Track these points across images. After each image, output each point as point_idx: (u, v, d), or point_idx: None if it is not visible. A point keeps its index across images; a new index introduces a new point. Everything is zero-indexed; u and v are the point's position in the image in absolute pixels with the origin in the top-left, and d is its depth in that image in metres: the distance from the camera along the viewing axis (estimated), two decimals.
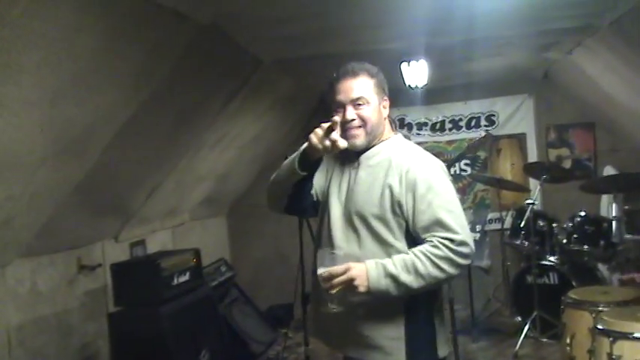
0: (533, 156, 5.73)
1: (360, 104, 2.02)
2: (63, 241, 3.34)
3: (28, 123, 2.19)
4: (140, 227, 4.25)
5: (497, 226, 5.40)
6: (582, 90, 5.31)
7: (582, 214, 4.58)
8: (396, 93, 5.82)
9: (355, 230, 2.01)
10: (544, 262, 4.65)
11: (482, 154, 5.89)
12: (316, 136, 1.89)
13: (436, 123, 5.98)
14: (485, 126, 5.86)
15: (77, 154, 2.73)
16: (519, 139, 5.84)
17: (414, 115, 6.00)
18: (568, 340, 2.92)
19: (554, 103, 5.74)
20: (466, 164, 5.91)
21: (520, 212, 4.76)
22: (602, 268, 4.82)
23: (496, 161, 5.87)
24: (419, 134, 5.99)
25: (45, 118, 2.25)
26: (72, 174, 2.83)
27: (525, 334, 4.46)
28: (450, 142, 5.96)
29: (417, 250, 1.92)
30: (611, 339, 2.48)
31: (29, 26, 1.86)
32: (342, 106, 2.01)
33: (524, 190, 5.21)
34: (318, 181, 2.12)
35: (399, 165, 2.01)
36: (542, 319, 4.46)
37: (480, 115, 5.88)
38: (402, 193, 1.97)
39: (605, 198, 5.00)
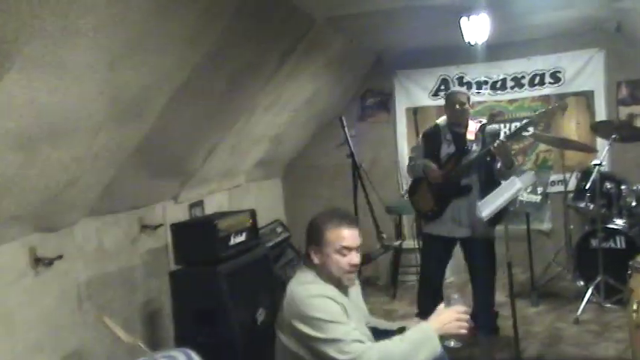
0: (601, 114, 5.45)
1: (359, 250, 2.35)
2: (125, 201, 3.44)
3: (89, 86, 2.24)
4: (198, 189, 4.33)
5: (560, 188, 5.21)
6: None
7: None
8: (455, 50, 5.68)
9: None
10: (610, 226, 4.48)
11: None
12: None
13: (497, 81, 5.77)
14: (550, 83, 5.60)
15: (135, 117, 2.78)
16: (586, 97, 5.56)
17: (474, 73, 5.81)
18: (635, 307, 2.80)
19: (627, 57, 5.38)
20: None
21: (585, 174, 4.59)
22: None
23: (560, 120, 5.62)
24: (478, 93, 5.80)
25: (104, 82, 2.29)
26: (131, 136, 2.89)
27: (588, 300, 4.35)
28: (511, 101, 5.75)
29: None
30: None
31: None
32: (348, 251, 2.30)
33: (591, 150, 4.98)
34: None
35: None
36: (607, 284, 4.33)
37: (544, 71, 5.61)
38: None
39: None
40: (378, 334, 2.54)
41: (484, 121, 4.22)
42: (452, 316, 2.19)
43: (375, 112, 6.15)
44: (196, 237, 3.38)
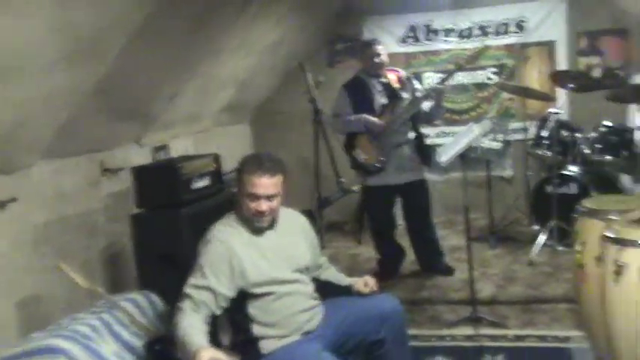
0: (562, 64, 5.54)
1: (273, 199, 2.37)
2: (85, 144, 3.41)
3: (36, 24, 2.19)
4: (162, 132, 4.31)
5: (521, 136, 5.32)
6: None
7: (607, 123, 4.50)
8: None
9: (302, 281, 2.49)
10: (565, 172, 4.62)
11: (509, 62, 5.71)
12: None
13: (464, 29, 5.78)
14: (515, 32, 5.65)
15: (91, 57, 2.73)
16: (549, 47, 5.61)
17: (441, 20, 5.80)
18: (579, 248, 2.91)
19: (588, 8, 5.45)
20: (493, 72, 5.76)
21: (544, 122, 4.69)
22: (626, 179, 4.77)
23: (524, 70, 5.69)
24: (446, 41, 5.81)
25: (53, 19, 2.24)
26: (87, 76, 2.84)
27: (542, 243, 4.52)
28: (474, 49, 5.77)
29: None
30: (619, 246, 2.48)
31: None
32: (256, 198, 2.35)
33: (549, 99, 5.09)
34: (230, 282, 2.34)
35: (304, 222, 2.66)
36: (560, 228, 4.48)
37: (509, 21, 5.64)
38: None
39: (633, 108, 4.85)
40: (328, 290, 2.66)
41: (401, 71, 4.38)
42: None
43: (344, 58, 6.11)
44: (158, 180, 3.37)
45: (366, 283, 2.58)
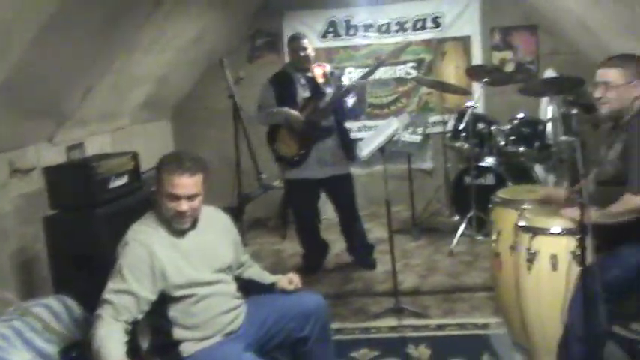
0: (477, 59, 5.74)
1: (194, 199, 2.31)
2: None
3: None
4: (77, 130, 4.13)
5: (440, 129, 5.47)
6: None
7: (520, 116, 4.70)
8: None
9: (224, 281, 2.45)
10: (482, 164, 4.79)
11: (427, 57, 5.86)
12: None
13: (382, 25, 5.88)
14: (432, 28, 5.80)
15: None
16: (464, 42, 5.81)
17: (361, 16, 5.89)
18: (494, 237, 3.04)
19: (501, 4, 5.69)
20: (412, 67, 5.89)
21: (461, 115, 4.83)
22: (539, 169, 5.01)
23: (441, 64, 5.86)
24: (365, 36, 5.90)
25: None
26: None
27: (462, 233, 4.67)
28: (396, 45, 5.88)
29: None
30: (530, 234, 2.60)
31: None
32: (176, 198, 2.28)
33: (467, 93, 5.26)
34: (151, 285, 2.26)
35: (225, 220, 2.60)
36: (478, 218, 4.65)
37: (426, 16, 5.79)
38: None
39: (544, 101, 5.10)
40: (251, 288, 2.63)
41: (328, 65, 4.45)
42: None
43: (264, 54, 6.08)
44: (72, 180, 3.22)
45: (290, 280, 2.57)
